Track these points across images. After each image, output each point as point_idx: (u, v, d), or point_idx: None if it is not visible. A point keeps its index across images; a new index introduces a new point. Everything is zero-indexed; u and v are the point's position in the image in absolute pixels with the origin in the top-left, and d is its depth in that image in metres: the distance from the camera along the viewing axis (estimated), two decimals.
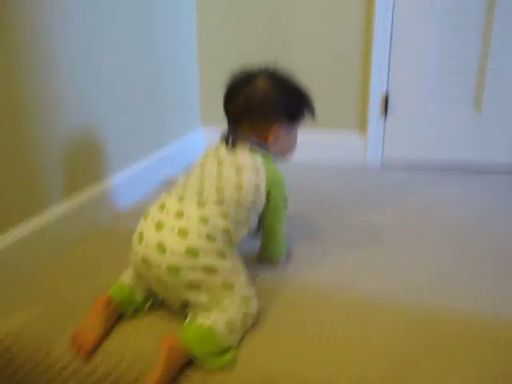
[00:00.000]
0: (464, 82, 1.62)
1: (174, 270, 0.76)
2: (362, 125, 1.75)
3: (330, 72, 1.72)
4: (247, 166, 0.89)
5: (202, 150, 1.79)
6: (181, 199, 0.85)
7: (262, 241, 1.01)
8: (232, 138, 0.93)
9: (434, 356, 0.74)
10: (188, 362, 0.73)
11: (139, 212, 0.87)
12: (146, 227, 0.82)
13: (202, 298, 0.77)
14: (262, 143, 0.93)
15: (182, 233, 0.78)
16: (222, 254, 0.80)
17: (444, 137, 1.68)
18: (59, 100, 1.07)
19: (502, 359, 0.73)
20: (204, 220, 0.81)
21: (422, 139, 1.70)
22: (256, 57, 1.75)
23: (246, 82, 0.95)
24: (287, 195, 0.96)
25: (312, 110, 1.00)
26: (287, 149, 1.02)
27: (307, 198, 1.41)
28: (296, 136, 1.02)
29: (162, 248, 0.77)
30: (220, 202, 0.84)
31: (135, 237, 0.83)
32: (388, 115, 1.70)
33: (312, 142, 1.67)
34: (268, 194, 0.91)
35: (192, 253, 0.77)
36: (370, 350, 0.75)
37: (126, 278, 0.86)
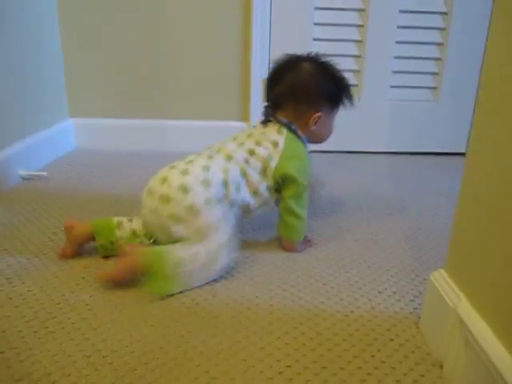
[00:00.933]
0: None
1: (164, 199, 0.85)
2: (245, 114, 1.71)
3: (212, 65, 1.65)
4: (268, 138, 0.95)
5: (72, 141, 1.63)
6: (198, 155, 0.94)
7: (279, 223, 0.99)
8: (266, 117, 0.98)
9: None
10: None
11: None
12: (165, 169, 0.91)
13: (180, 231, 0.85)
14: (294, 126, 0.97)
15: (184, 172, 0.88)
16: (209, 203, 0.86)
17: None
18: None
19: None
20: (206, 168, 0.89)
21: None
22: (129, 55, 1.64)
23: (292, 66, 0.97)
24: (307, 180, 0.96)
25: (351, 98, 1.01)
26: (324, 135, 1.03)
27: None
28: (333, 123, 1.03)
29: (164, 180, 0.88)
30: (228, 158, 0.91)
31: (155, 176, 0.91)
32: None
33: (198, 133, 1.64)
34: (283, 172, 0.93)
35: (183, 189, 0.85)
36: None
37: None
